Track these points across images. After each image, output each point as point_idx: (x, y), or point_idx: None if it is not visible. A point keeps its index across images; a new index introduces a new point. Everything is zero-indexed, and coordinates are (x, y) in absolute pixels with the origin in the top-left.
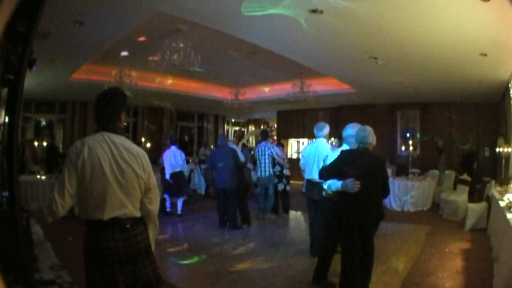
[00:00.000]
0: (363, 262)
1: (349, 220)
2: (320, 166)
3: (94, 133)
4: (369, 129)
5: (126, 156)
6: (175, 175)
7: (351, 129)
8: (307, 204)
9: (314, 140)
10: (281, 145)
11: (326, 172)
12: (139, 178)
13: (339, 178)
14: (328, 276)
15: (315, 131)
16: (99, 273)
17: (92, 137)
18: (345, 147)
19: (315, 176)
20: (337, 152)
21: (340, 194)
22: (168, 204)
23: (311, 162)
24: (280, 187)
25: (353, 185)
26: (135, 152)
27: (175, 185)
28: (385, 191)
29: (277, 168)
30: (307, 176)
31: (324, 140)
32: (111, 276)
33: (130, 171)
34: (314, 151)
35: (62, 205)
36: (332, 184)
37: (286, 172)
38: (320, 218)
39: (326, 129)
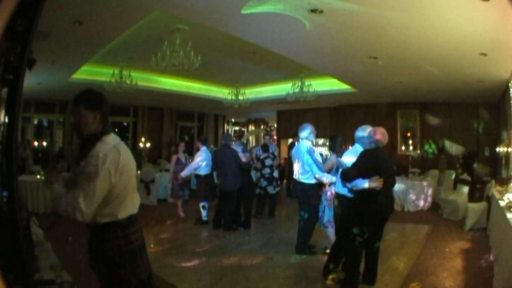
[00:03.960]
0: (373, 253)
1: (373, 215)
2: (303, 166)
3: (106, 134)
4: (383, 130)
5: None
6: (207, 177)
7: (363, 131)
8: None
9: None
10: (265, 145)
11: (351, 174)
12: None
13: (363, 177)
14: (338, 271)
15: (297, 133)
16: (136, 268)
17: (115, 142)
18: (358, 147)
19: (299, 175)
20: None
21: (362, 192)
22: (205, 213)
23: (295, 163)
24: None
25: (379, 183)
26: None
27: (207, 187)
28: (394, 182)
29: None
30: (294, 176)
31: (307, 141)
32: (142, 265)
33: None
34: (298, 152)
35: (88, 214)
36: (359, 183)
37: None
38: (306, 217)
39: (308, 130)
